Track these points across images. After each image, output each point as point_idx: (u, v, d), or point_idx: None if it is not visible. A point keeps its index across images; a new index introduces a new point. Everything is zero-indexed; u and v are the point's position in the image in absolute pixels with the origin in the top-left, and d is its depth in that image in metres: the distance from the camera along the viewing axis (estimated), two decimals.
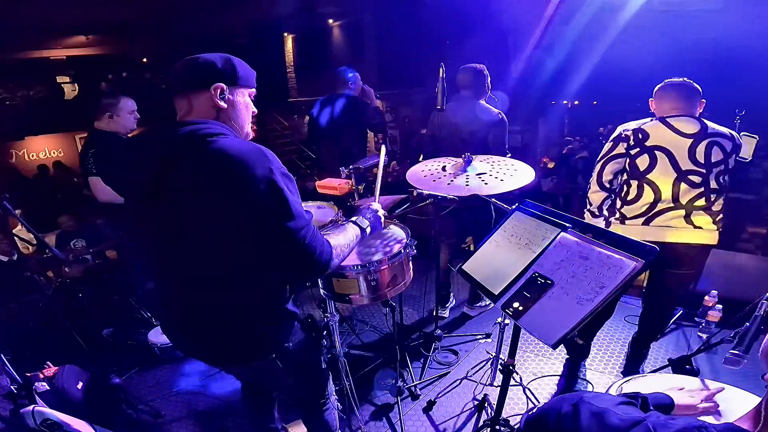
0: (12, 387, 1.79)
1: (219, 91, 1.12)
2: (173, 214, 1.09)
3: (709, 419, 0.99)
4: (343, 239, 1.27)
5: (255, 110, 1.26)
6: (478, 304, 3.07)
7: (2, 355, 1.85)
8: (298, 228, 1.06)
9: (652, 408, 0.90)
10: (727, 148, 1.86)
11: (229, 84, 1.14)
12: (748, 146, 2.02)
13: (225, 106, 1.14)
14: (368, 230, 1.43)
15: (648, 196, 1.94)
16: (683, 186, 1.88)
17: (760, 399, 0.64)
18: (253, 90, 1.24)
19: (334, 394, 1.67)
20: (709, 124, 1.89)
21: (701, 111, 1.96)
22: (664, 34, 5.69)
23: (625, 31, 5.70)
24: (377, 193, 1.71)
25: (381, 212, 1.53)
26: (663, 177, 1.91)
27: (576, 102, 8.34)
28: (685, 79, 1.97)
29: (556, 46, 6.46)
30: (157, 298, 1.29)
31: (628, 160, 1.99)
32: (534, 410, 0.83)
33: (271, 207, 1.03)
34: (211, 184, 1.02)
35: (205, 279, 1.16)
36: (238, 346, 1.22)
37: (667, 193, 1.91)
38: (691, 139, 1.86)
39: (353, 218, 1.44)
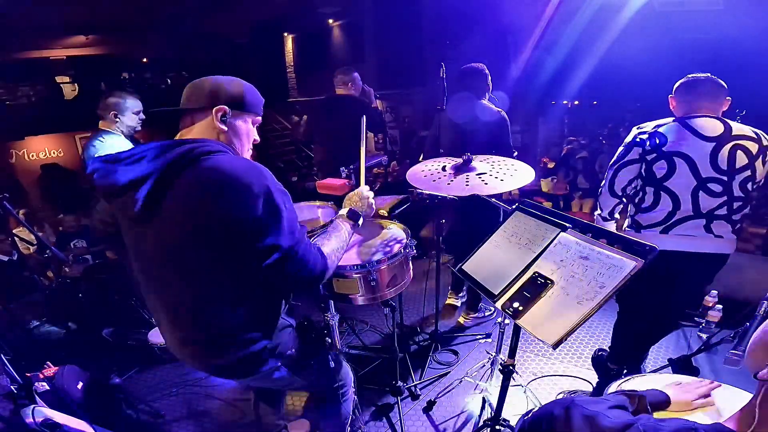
0: (12, 387, 1.79)
1: (221, 113, 1.14)
2: (168, 232, 1.08)
3: (707, 418, 0.99)
4: (335, 242, 1.28)
5: (257, 139, 1.27)
6: (474, 315, 3.00)
7: (2, 355, 1.85)
8: (292, 243, 1.08)
9: (649, 405, 0.91)
10: (753, 151, 1.71)
11: (234, 108, 1.16)
12: None
13: (225, 128, 1.15)
14: (360, 221, 1.42)
15: (666, 204, 1.82)
16: (703, 194, 1.76)
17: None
18: (259, 118, 1.25)
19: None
20: (734, 124, 1.75)
21: (725, 110, 1.81)
22: (664, 34, 5.68)
23: (625, 31, 5.70)
24: (362, 175, 1.67)
25: (370, 194, 1.49)
26: (682, 185, 1.78)
27: (576, 102, 8.33)
28: (710, 74, 1.81)
29: (556, 46, 6.45)
30: (156, 314, 1.28)
31: (643, 166, 1.85)
32: (529, 415, 0.84)
33: (267, 224, 1.04)
34: (207, 201, 1.02)
35: (199, 297, 1.15)
36: (240, 361, 1.21)
37: (686, 202, 1.78)
38: (713, 143, 1.72)
39: (343, 211, 1.42)
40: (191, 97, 1.15)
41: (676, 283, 1.99)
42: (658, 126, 1.84)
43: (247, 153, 1.25)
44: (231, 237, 1.04)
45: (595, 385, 2.33)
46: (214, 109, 1.13)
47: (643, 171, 1.87)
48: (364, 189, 1.50)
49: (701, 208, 1.78)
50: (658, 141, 1.80)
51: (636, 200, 1.93)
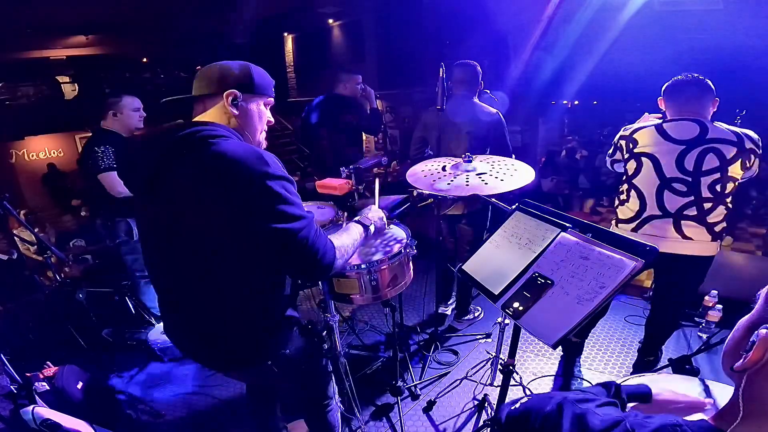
0: (12, 387, 1.79)
1: (231, 97, 1.14)
2: (170, 214, 1.10)
3: (698, 415, 0.99)
4: (347, 239, 1.29)
5: (271, 120, 1.27)
6: (466, 318, 2.99)
7: (2, 355, 1.85)
8: (296, 229, 1.06)
9: (624, 397, 0.91)
10: (726, 155, 1.73)
11: (244, 91, 1.16)
12: None
13: (236, 112, 1.16)
14: (372, 229, 1.46)
15: (635, 201, 1.92)
16: (667, 194, 1.83)
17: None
18: (270, 99, 1.25)
19: (337, 395, 1.67)
20: (714, 127, 1.77)
21: (714, 110, 1.85)
22: (663, 34, 5.69)
23: (625, 31, 5.70)
24: (377, 198, 1.74)
25: (383, 214, 1.57)
26: (647, 183, 1.88)
27: (576, 102, 8.33)
28: (695, 75, 1.84)
29: (556, 46, 6.46)
30: (158, 296, 1.29)
31: (623, 164, 2.01)
32: (517, 405, 0.83)
33: (266, 209, 1.03)
34: (206, 185, 1.03)
35: (201, 282, 1.15)
36: (233, 351, 1.21)
37: (651, 200, 1.87)
38: (683, 146, 1.78)
39: (357, 217, 1.47)
40: (201, 83, 1.17)
41: (661, 281, 2.08)
42: (636, 131, 1.93)
43: (260, 135, 1.26)
44: (229, 222, 1.04)
45: (560, 359, 2.43)
46: (225, 93, 1.14)
47: (624, 167, 2.01)
48: (375, 207, 1.59)
49: (668, 208, 1.84)
50: (631, 145, 1.92)
51: (617, 193, 2.06)
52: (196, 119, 1.18)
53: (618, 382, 1.19)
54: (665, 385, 1.03)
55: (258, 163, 1.04)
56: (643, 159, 1.87)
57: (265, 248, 1.07)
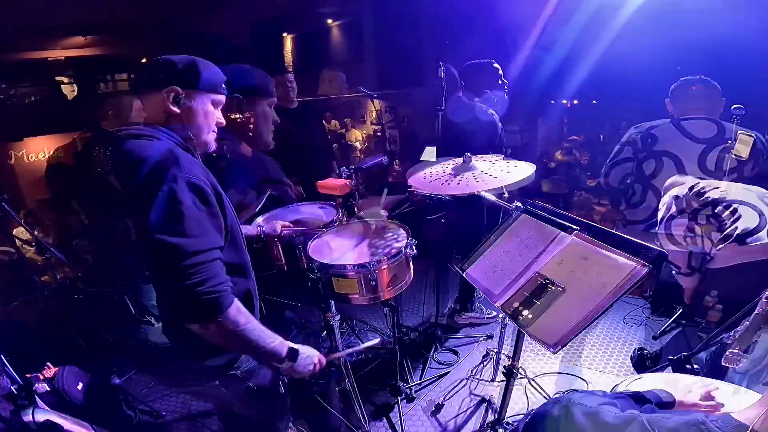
0: (12, 387, 1.78)
1: (173, 94, 1.06)
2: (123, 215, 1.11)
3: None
4: (254, 328, 1.06)
5: (222, 121, 1.17)
6: (466, 314, 2.90)
7: (2, 356, 1.85)
8: (186, 248, 0.91)
9: (655, 407, 0.91)
10: (743, 155, 1.74)
11: (187, 88, 1.07)
12: (744, 145, 2.00)
13: (177, 111, 1.06)
14: (285, 363, 1.14)
15: (651, 201, 1.90)
16: None
17: (759, 395, 0.63)
18: (221, 98, 1.15)
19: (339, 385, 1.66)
20: (729, 127, 1.79)
21: (722, 110, 1.87)
22: (663, 34, 5.68)
23: (624, 30, 5.69)
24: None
25: (317, 357, 1.27)
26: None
27: (576, 102, 8.32)
28: (702, 76, 1.87)
29: (556, 46, 6.45)
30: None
31: (635, 164, 1.94)
32: (528, 417, 0.84)
33: (160, 217, 0.91)
34: (123, 185, 1.02)
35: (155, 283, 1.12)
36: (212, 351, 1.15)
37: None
38: (704, 145, 1.78)
39: (287, 345, 1.16)
40: (142, 79, 1.10)
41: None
42: (653, 126, 1.90)
43: (207, 134, 1.14)
44: (138, 228, 0.97)
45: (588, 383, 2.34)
46: (165, 90, 1.05)
47: (634, 168, 1.96)
48: (314, 353, 1.28)
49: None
50: (649, 140, 1.88)
51: (627, 195, 2.03)
52: (135, 118, 1.18)
53: (619, 383, 1.19)
54: (680, 390, 1.03)
55: (167, 165, 0.94)
56: (664, 159, 1.85)
57: (151, 261, 0.97)
